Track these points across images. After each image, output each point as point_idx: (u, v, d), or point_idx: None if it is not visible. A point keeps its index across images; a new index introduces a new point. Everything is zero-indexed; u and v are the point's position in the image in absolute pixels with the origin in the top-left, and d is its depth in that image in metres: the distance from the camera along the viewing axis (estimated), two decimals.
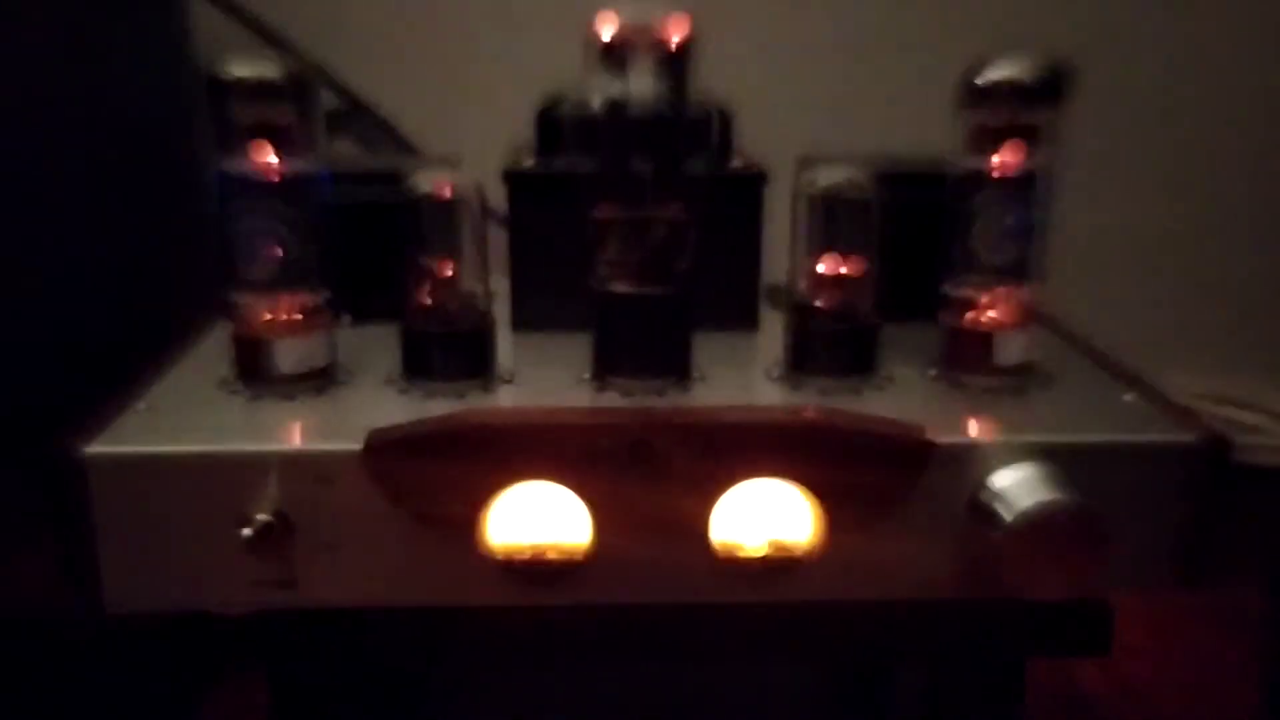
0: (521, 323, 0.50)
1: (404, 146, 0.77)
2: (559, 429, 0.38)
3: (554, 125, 0.49)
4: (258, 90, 0.41)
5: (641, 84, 0.41)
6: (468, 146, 0.76)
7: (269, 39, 0.72)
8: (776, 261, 0.51)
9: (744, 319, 0.51)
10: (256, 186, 0.41)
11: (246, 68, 0.40)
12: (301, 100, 0.41)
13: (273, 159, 0.41)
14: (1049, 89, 0.42)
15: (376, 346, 0.47)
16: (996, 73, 0.42)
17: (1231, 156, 0.87)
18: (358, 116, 0.76)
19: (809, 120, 0.83)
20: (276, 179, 0.41)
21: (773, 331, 0.49)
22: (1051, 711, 0.68)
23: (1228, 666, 0.76)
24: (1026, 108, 0.42)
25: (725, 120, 0.51)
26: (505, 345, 0.47)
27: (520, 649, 0.42)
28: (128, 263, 0.63)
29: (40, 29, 0.53)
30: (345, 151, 0.78)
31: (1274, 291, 0.90)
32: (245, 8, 0.72)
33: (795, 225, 0.45)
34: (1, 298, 0.46)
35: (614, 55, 0.41)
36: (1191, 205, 0.89)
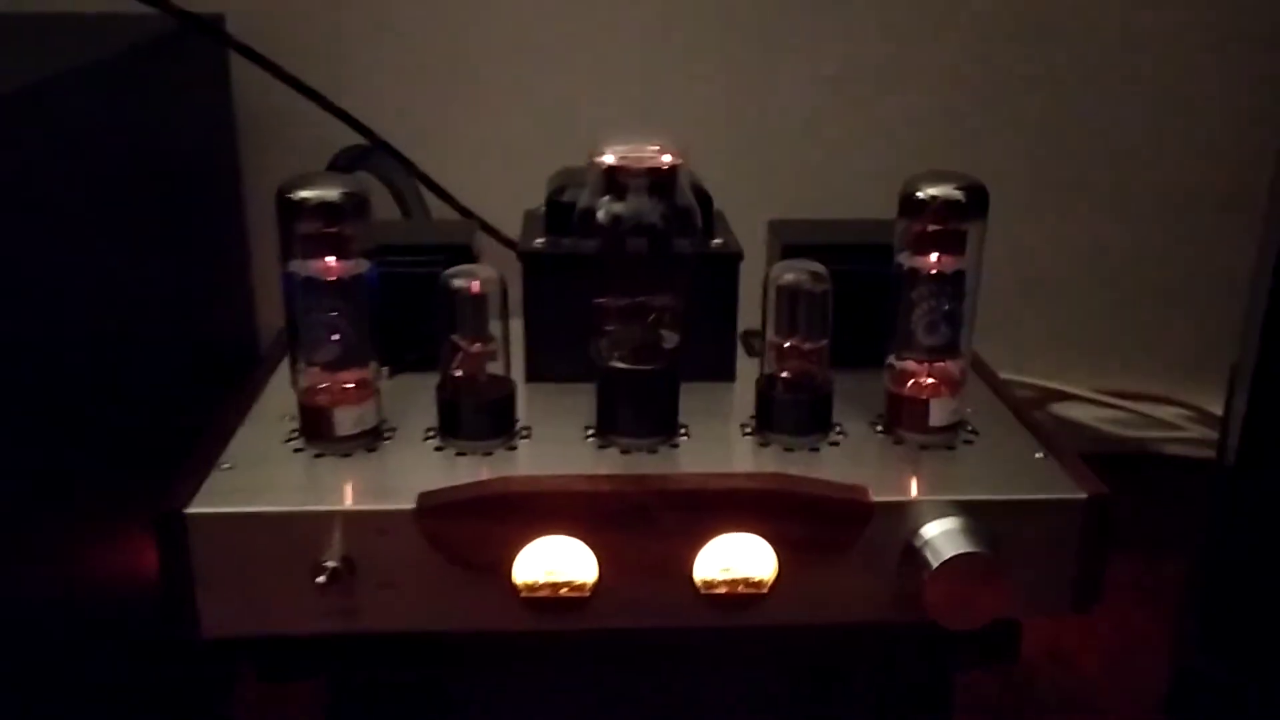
0: (534, 374, 0.59)
1: (425, 181, 0.85)
2: (572, 494, 0.47)
3: (562, 209, 0.58)
4: (319, 209, 0.49)
5: (639, 202, 0.50)
6: (482, 182, 0.86)
7: (301, 90, 0.79)
8: (750, 305, 0.60)
9: (722, 371, 0.60)
10: (318, 286, 0.50)
11: (311, 190, 0.49)
12: (355, 214, 0.50)
13: (331, 262, 0.50)
14: (975, 204, 0.51)
15: (411, 398, 0.55)
16: (931, 189, 0.51)
17: (1152, 177, 0.96)
18: (380, 156, 0.84)
19: (780, 183, 0.92)
20: (334, 279, 0.50)
21: (747, 377, 0.58)
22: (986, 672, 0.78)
23: (1147, 633, 0.86)
24: (956, 219, 0.51)
25: (706, 202, 0.59)
26: (520, 395, 0.55)
27: (538, 664, 0.51)
28: (170, 299, 0.71)
29: (98, 81, 0.60)
30: (367, 184, 0.86)
31: (1185, 299, 1.00)
32: (281, 63, 0.80)
33: (765, 307, 0.54)
34: (47, 332, 0.54)
35: (614, 179, 0.49)
36: (1113, 222, 0.98)
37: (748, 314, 0.61)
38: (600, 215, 0.50)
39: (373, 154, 0.85)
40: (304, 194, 0.49)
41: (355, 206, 0.50)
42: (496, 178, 0.90)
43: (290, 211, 0.49)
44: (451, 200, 0.87)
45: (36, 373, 0.51)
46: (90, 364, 0.57)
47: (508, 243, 0.86)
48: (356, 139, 0.84)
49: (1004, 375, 0.98)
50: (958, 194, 0.51)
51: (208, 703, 0.72)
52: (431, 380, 0.54)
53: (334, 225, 0.49)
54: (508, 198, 0.87)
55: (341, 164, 0.86)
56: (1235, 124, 0.94)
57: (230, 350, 0.87)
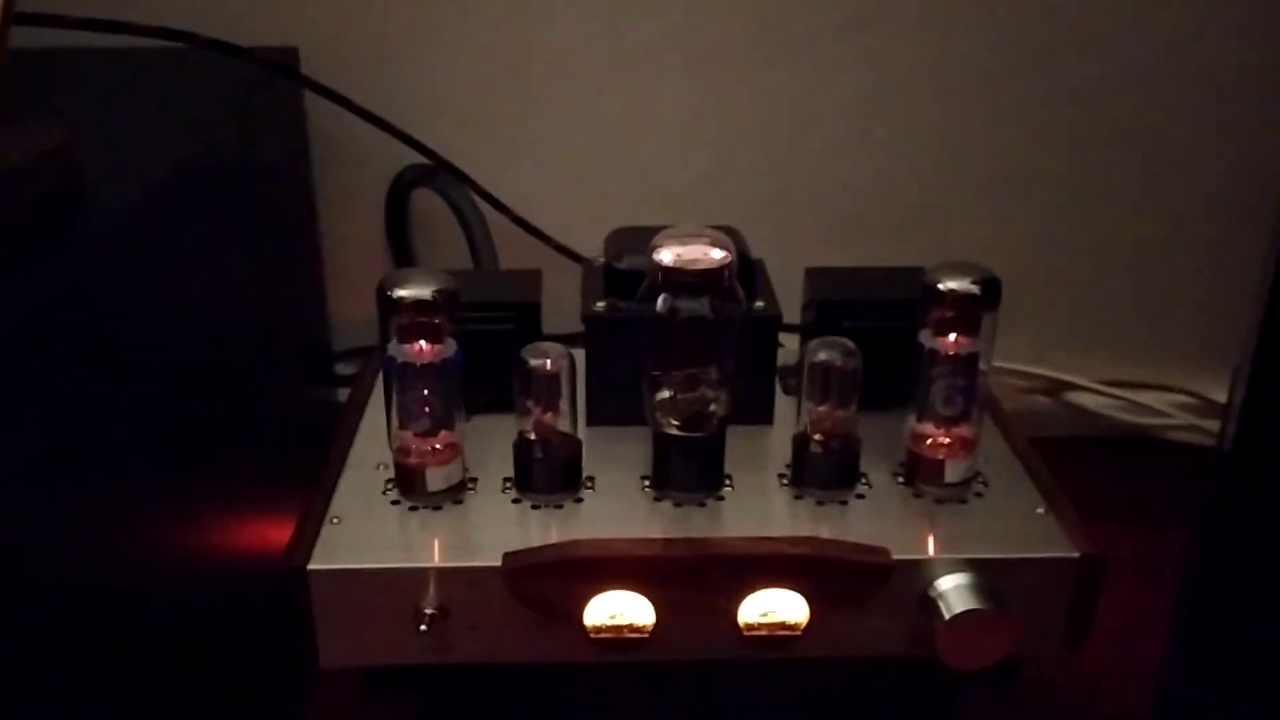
0: (595, 418, 0.66)
1: (482, 194, 0.91)
2: (634, 559, 0.55)
3: (619, 275, 0.65)
4: (414, 305, 0.56)
5: (692, 298, 0.56)
6: (537, 194, 0.92)
7: (369, 118, 0.86)
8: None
9: (761, 415, 0.67)
10: (413, 368, 0.57)
11: (407, 289, 0.56)
12: (446, 308, 0.57)
13: (424, 347, 0.57)
14: (988, 296, 0.57)
15: (489, 440, 0.63)
16: (951, 283, 0.57)
17: (1164, 185, 1.02)
18: (440, 173, 0.90)
19: (819, 230, 0.98)
20: (426, 362, 0.57)
21: (783, 418, 0.65)
22: None
23: (1147, 610, 0.93)
24: (972, 308, 0.57)
25: (749, 267, 0.66)
26: (583, 436, 0.62)
27: (603, 690, 0.60)
28: (261, 301, 0.79)
29: (210, 138, 0.68)
30: (430, 205, 0.93)
31: (1192, 297, 1.06)
32: (350, 87, 0.86)
33: (800, 378, 0.60)
34: (179, 334, 0.62)
35: (670, 278, 0.56)
36: (1128, 226, 1.04)
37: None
38: (659, 306, 0.57)
39: (434, 171, 0.91)
40: (401, 292, 0.56)
41: (446, 300, 0.57)
42: (550, 189, 0.96)
43: (389, 305, 0.56)
44: (508, 211, 0.93)
45: (174, 361, 0.60)
46: (208, 356, 0.66)
47: (564, 251, 0.93)
48: (420, 158, 0.91)
49: (1022, 368, 1.06)
50: (974, 288, 0.57)
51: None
52: (504, 421, 0.62)
53: (426, 316, 0.57)
54: (559, 205, 0.94)
55: (406, 179, 0.92)
56: (1242, 129, 0.99)
57: (308, 337, 0.95)
